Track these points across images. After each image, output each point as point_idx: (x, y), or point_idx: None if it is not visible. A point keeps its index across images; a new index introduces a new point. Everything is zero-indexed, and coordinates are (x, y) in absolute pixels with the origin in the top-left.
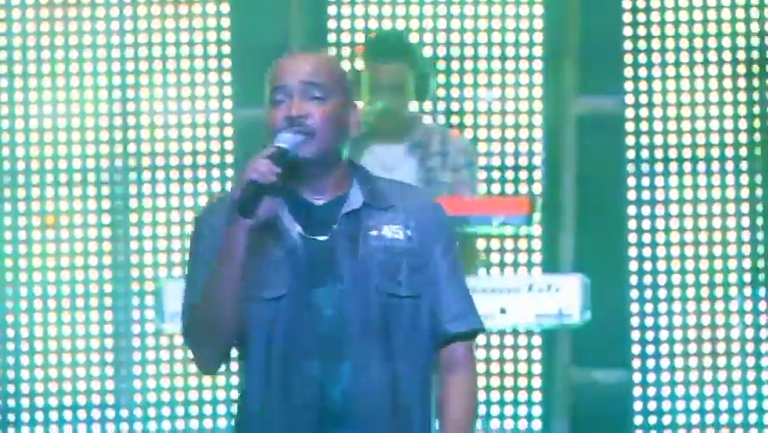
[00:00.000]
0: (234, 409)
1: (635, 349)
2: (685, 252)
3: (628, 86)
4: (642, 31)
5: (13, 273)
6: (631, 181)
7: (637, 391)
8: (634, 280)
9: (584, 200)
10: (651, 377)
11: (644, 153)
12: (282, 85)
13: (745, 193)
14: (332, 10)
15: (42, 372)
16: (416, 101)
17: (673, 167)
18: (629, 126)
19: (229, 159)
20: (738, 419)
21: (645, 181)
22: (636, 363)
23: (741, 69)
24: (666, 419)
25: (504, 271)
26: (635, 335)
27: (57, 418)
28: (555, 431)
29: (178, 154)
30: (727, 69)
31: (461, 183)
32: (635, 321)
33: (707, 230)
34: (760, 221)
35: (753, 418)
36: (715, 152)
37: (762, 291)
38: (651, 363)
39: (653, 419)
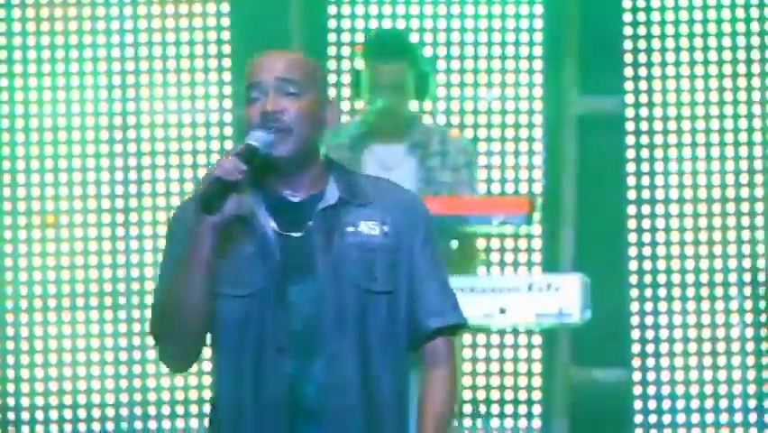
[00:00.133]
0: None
1: (635, 348)
2: (685, 251)
3: (628, 85)
4: (642, 30)
5: (13, 273)
6: (631, 181)
7: (637, 390)
8: (634, 279)
9: (584, 200)
10: (651, 376)
11: (644, 153)
12: (257, 82)
13: (745, 193)
14: (332, 10)
15: (42, 370)
16: (416, 101)
17: (673, 166)
18: (629, 126)
19: None
20: (738, 418)
21: (645, 181)
22: (636, 363)
23: (741, 68)
24: (666, 418)
25: (504, 270)
26: (635, 334)
27: (57, 416)
28: (555, 430)
29: (179, 154)
30: (727, 69)
31: (461, 183)
32: (634, 320)
33: (707, 230)
34: (760, 221)
35: (752, 417)
36: (715, 152)
37: (761, 291)
38: (651, 362)
39: (652, 418)
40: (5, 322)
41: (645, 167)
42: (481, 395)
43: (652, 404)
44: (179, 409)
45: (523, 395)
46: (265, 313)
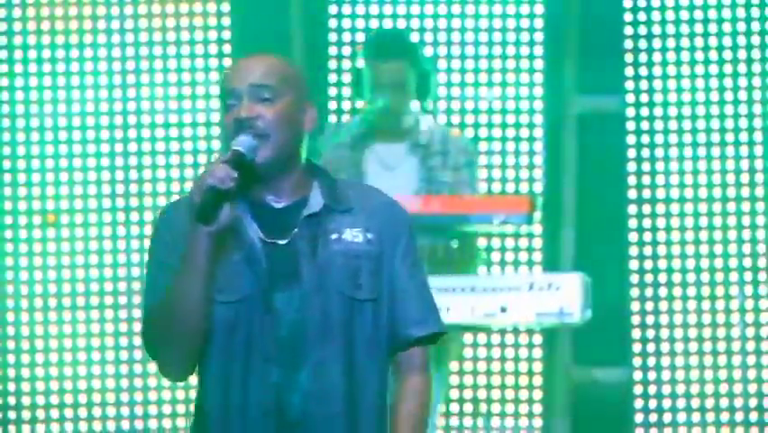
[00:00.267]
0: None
1: (636, 348)
2: (686, 250)
3: (629, 85)
4: (642, 30)
5: (13, 272)
6: (631, 180)
7: (638, 390)
8: (634, 278)
9: (585, 199)
10: (651, 375)
11: (645, 152)
12: (231, 89)
13: (745, 193)
14: (332, 9)
15: (43, 370)
16: (417, 100)
17: (674, 166)
18: (630, 125)
19: None
20: (739, 417)
21: (646, 180)
22: (637, 362)
23: (742, 68)
24: (667, 418)
25: (504, 269)
26: (636, 333)
27: (57, 415)
28: (556, 429)
29: (179, 154)
30: (728, 69)
31: (462, 182)
32: (635, 320)
33: (707, 229)
34: (760, 220)
35: (753, 416)
36: (715, 152)
37: (762, 290)
38: (651, 361)
39: (653, 417)
40: (6, 321)
41: (646, 166)
42: (482, 394)
43: (652, 403)
44: (180, 409)
45: (523, 394)
46: (252, 319)
